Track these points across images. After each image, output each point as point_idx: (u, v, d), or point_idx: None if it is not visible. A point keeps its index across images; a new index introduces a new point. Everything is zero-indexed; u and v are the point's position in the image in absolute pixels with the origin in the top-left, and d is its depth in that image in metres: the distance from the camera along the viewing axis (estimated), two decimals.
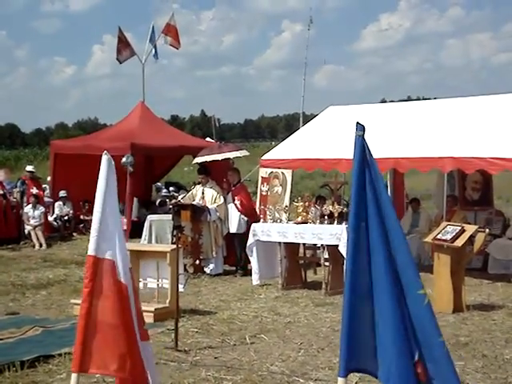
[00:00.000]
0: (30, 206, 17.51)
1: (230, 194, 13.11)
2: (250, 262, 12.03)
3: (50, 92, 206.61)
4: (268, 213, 12.05)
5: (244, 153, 13.63)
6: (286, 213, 11.98)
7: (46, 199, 19.14)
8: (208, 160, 13.17)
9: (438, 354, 3.51)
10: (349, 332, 3.58)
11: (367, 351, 3.62)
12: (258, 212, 13.21)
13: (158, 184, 21.91)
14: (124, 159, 17.00)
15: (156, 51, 22.69)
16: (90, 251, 3.71)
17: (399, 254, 3.54)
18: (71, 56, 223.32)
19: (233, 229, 12.82)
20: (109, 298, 3.70)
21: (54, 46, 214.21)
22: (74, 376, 3.68)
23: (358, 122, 3.63)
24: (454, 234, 9.56)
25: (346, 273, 3.65)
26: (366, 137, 3.62)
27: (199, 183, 13.27)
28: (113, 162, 3.90)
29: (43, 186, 19.71)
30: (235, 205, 12.81)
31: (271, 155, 13.91)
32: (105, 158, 3.86)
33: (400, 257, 3.54)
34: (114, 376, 3.96)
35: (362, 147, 3.61)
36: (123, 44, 22.16)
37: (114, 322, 3.69)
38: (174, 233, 13.07)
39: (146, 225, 14.86)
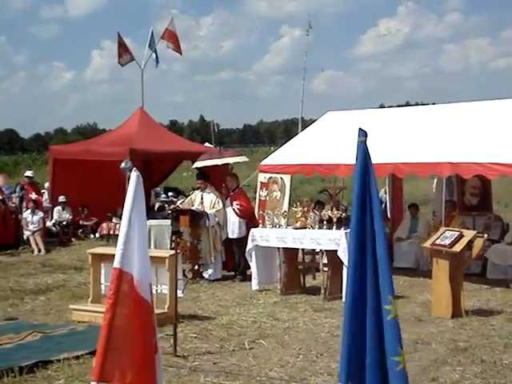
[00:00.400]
0: (29, 211, 17.51)
1: (228, 199, 13.12)
2: (249, 268, 12.04)
3: (49, 97, 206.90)
4: (267, 218, 12.06)
5: (243, 158, 13.65)
6: (284, 218, 12.00)
7: (44, 204, 19.14)
8: (208, 165, 13.19)
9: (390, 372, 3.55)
10: (350, 336, 3.58)
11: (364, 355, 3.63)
12: (256, 217, 13.21)
13: (157, 189, 21.90)
14: (123, 164, 16.99)
15: (157, 56, 22.69)
16: (116, 264, 3.75)
17: (380, 263, 3.57)
18: (70, 61, 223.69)
19: (231, 234, 12.82)
20: (130, 311, 3.74)
21: (53, 52, 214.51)
22: None
23: (360, 128, 3.65)
24: (452, 239, 9.57)
25: (347, 277, 3.66)
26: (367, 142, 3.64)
27: (198, 188, 13.28)
28: (141, 179, 3.94)
29: (42, 191, 19.71)
30: (234, 209, 12.82)
31: (270, 160, 13.92)
32: (134, 175, 3.89)
33: (381, 265, 3.57)
34: None
35: (364, 153, 3.63)
36: (123, 48, 22.20)
37: (134, 335, 3.73)
38: (173, 238, 13.13)
39: None
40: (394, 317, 3.52)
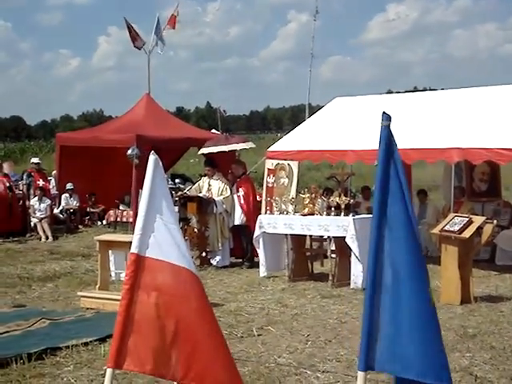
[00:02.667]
0: (36, 198, 17.53)
1: (234, 185, 13.09)
2: (256, 255, 12.02)
3: (55, 84, 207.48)
4: (274, 204, 12.02)
5: (250, 145, 13.60)
6: (292, 204, 11.95)
7: (52, 192, 19.16)
8: (214, 151, 13.14)
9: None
10: (370, 324, 3.54)
11: (386, 344, 3.57)
12: (259, 208, 13.14)
13: (164, 176, 21.89)
14: (130, 151, 17.01)
15: (162, 42, 22.56)
16: (133, 249, 3.70)
17: (416, 251, 3.52)
18: (76, 48, 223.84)
19: (239, 220, 12.81)
20: (151, 297, 3.69)
21: (59, 39, 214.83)
22: (109, 371, 3.68)
23: (384, 112, 3.59)
24: (461, 225, 9.52)
25: (368, 264, 3.61)
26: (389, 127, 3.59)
27: (205, 175, 13.25)
28: (160, 163, 3.86)
29: (49, 178, 19.72)
30: (238, 196, 12.81)
31: (277, 147, 13.87)
32: (151, 159, 3.82)
33: (417, 254, 3.52)
34: (150, 375, 3.96)
35: (387, 137, 3.57)
36: (134, 32, 22.09)
37: (160, 323, 3.68)
38: (181, 225, 13.16)
39: None
40: (433, 304, 3.49)
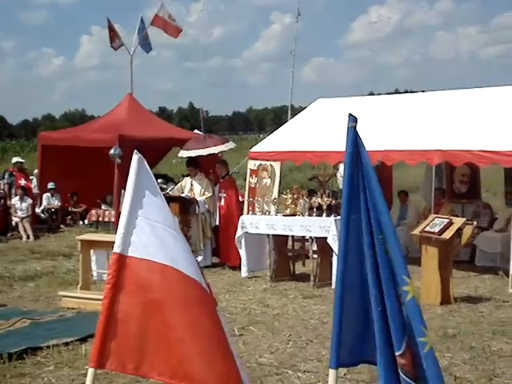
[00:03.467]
0: (18, 197, 17.44)
1: (217, 186, 13.10)
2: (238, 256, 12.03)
3: (38, 83, 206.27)
4: (257, 205, 12.05)
5: (230, 145, 13.53)
6: (274, 205, 11.99)
7: (33, 191, 19.06)
8: (192, 155, 13.08)
9: (420, 352, 3.51)
10: (340, 322, 3.58)
11: (359, 340, 3.62)
12: (242, 208, 13.15)
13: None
14: (112, 151, 16.95)
15: (149, 42, 22.50)
16: (116, 248, 3.69)
17: (390, 248, 3.54)
18: (59, 47, 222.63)
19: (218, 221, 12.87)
20: (134, 297, 3.68)
21: (42, 37, 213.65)
22: (90, 371, 3.68)
23: (350, 114, 3.62)
24: (441, 226, 9.60)
25: (338, 264, 3.66)
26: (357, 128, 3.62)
27: (188, 175, 13.25)
28: (145, 162, 3.81)
29: (30, 177, 19.62)
30: (220, 197, 12.83)
31: (260, 147, 13.89)
32: (135, 158, 3.78)
33: (391, 251, 3.55)
34: (132, 374, 3.96)
35: (354, 139, 3.60)
36: (114, 33, 22.05)
37: (142, 322, 3.66)
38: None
39: None
40: (412, 297, 3.50)
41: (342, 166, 14.69)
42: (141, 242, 3.70)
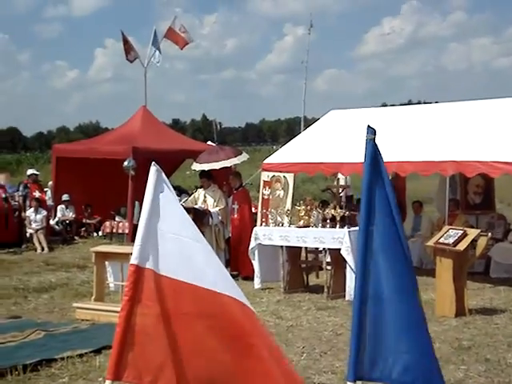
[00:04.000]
0: (32, 209, 17.53)
1: (231, 197, 13.11)
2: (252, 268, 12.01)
3: (52, 96, 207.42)
4: (270, 216, 12.05)
5: (243, 158, 13.52)
6: (287, 216, 11.98)
7: (48, 203, 19.15)
8: (205, 169, 13.10)
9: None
10: (358, 334, 3.57)
11: (377, 353, 3.61)
12: (254, 222, 13.15)
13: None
14: (126, 163, 17.04)
15: (159, 54, 22.62)
16: (133, 260, 3.69)
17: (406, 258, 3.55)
18: (73, 60, 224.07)
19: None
20: (150, 309, 3.67)
21: (56, 50, 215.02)
22: (107, 383, 3.68)
23: (369, 126, 3.62)
24: (456, 237, 9.55)
25: (356, 276, 3.64)
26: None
27: (201, 187, 13.27)
28: (163, 174, 3.82)
29: (45, 189, 19.72)
30: (232, 209, 12.84)
31: (273, 159, 13.90)
32: (153, 170, 3.79)
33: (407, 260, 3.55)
34: None
35: (372, 150, 3.60)
36: (128, 45, 22.19)
37: (158, 334, 3.65)
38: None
39: None
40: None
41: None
42: (159, 254, 3.70)
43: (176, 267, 3.69)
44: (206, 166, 13.08)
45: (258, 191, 14.43)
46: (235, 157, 13.38)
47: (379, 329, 3.59)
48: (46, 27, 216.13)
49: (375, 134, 3.62)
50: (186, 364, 3.62)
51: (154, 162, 3.81)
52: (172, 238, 3.74)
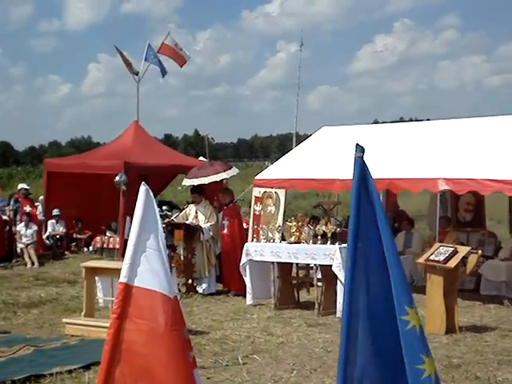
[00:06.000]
0: (23, 224, 17.46)
1: (221, 213, 13.11)
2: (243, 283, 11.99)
3: (45, 110, 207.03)
4: (261, 232, 12.05)
5: (232, 172, 13.58)
6: (279, 232, 11.98)
7: (39, 217, 19.08)
8: (195, 184, 13.14)
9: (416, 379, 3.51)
10: (346, 353, 3.57)
11: (366, 369, 3.60)
12: (245, 237, 13.17)
13: (155, 205, 21.79)
14: (117, 178, 17.00)
15: (163, 68, 22.64)
16: (122, 278, 3.72)
17: (393, 275, 3.54)
18: (67, 74, 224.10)
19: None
20: (138, 326, 3.69)
21: (50, 65, 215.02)
22: None
23: (357, 144, 3.64)
24: (446, 255, 9.58)
25: (344, 292, 3.65)
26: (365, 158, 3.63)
27: (192, 202, 13.28)
28: (151, 193, 3.87)
29: (36, 204, 19.67)
30: (222, 225, 12.85)
31: (264, 175, 13.92)
32: (142, 189, 3.82)
33: (394, 279, 3.54)
34: None
35: (361, 168, 3.62)
36: (125, 59, 22.20)
37: (148, 349, 3.67)
38: (167, 252, 13.14)
39: None
40: (412, 326, 3.49)
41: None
42: (146, 271, 3.72)
43: (152, 281, 3.72)
44: (196, 181, 13.13)
45: (250, 207, 14.44)
46: (224, 171, 13.42)
47: (368, 345, 3.60)
48: (39, 41, 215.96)
49: (364, 151, 3.64)
50: (173, 379, 3.63)
51: (143, 182, 3.84)
52: (152, 253, 3.78)
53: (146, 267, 3.74)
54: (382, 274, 3.54)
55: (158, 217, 3.94)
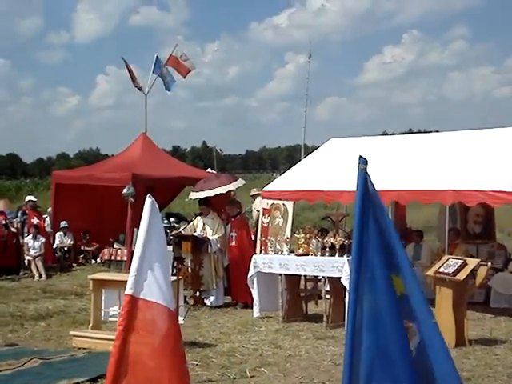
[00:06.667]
0: (31, 236, 17.48)
1: (229, 225, 13.08)
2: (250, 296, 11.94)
3: (53, 122, 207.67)
4: (269, 244, 12.01)
5: (238, 184, 13.56)
6: (287, 244, 11.94)
7: (46, 229, 19.10)
8: (201, 197, 13.13)
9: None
10: (351, 363, 3.53)
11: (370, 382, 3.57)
12: (253, 249, 13.14)
13: (160, 218, 21.81)
14: (125, 190, 17.00)
15: (171, 80, 22.69)
16: (128, 290, 3.70)
17: (407, 287, 3.52)
18: (75, 86, 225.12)
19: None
20: (144, 338, 3.67)
21: (58, 77, 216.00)
22: None
23: (360, 156, 3.62)
24: (456, 267, 9.52)
25: (349, 304, 3.62)
26: (368, 170, 3.61)
27: (200, 214, 13.25)
28: (156, 206, 3.86)
29: (44, 216, 19.69)
30: (230, 237, 12.82)
31: (272, 186, 13.89)
32: (148, 202, 3.82)
33: (408, 290, 3.52)
34: None
35: (364, 181, 3.60)
36: (131, 72, 22.27)
37: (153, 362, 3.66)
38: (175, 264, 13.11)
39: None
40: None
41: (258, 199, 14.77)
42: (151, 284, 3.70)
43: (155, 293, 3.71)
44: (202, 194, 13.12)
45: (251, 218, 14.43)
46: (230, 183, 13.41)
47: (369, 355, 3.57)
48: (48, 53, 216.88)
49: (367, 163, 3.62)
50: None
51: (149, 194, 3.84)
52: (156, 266, 3.76)
53: (151, 279, 3.73)
54: (387, 285, 3.52)
55: (162, 228, 3.93)
